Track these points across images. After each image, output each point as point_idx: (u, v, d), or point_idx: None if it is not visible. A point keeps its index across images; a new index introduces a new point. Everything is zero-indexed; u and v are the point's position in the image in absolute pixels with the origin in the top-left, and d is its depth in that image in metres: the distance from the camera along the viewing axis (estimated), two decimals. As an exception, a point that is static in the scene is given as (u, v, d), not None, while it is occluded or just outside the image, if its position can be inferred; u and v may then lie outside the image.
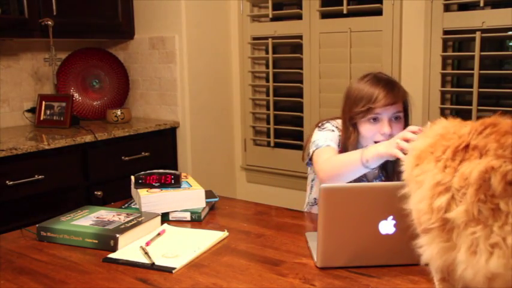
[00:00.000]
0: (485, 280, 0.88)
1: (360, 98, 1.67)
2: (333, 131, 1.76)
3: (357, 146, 1.70)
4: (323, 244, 1.30)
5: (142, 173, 1.80)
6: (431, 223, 0.94)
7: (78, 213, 1.67)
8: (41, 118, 3.02)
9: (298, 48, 3.13)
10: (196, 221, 1.71)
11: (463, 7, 2.60)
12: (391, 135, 1.61)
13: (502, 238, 0.86)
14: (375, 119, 1.66)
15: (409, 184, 1.03)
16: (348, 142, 1.70)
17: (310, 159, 1.75)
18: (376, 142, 1.64)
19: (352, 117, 1.69)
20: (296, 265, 1.34)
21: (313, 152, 1.72)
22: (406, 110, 1.73)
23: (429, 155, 0.99)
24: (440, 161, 0.95)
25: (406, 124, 1.71)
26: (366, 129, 1.67)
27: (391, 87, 1.67)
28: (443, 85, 2.63)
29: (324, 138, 1.74)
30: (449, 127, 1.02)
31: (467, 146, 0.93)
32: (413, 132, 1.40)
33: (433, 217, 0.94)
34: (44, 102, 3.03)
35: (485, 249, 0.87)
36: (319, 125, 1.82)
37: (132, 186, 1.85)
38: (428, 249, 0.97)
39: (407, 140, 1.39)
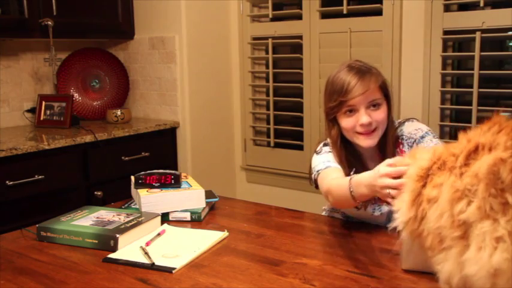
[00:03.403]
0: (488, 276, 0.83)
1: (332, 93, 1.62)
2: (329, 151, 1.71)
3: (340, 139, 1.65)
4: (406, 246, 1.25)
5: (143, 173, 1.80)
6: (454, 236, 0.89)
7: (78, 213, 1.67)
8: (41, 118, 3.02)
9: (298, 48, 3.13)
10: (196, 221, 1.71)
11: (463, 7, 2.59)
12: (370, 124, 1.58)
13: (508, 232, 0.82)
14: (351, 111, 1.60)
15: (420, 205, 0.97)
16: (331, 137, 1.67)
17: (316, 186, 1.69)
18: (357, 133, 1.61)
19: (328, 113, 1.65)
20: (296, 265, 1.33)
21: (317, 176, 1.66)
22: (386, 96, 1.65)
23: (437, 171, 0.95)
24: (455, 169, 0.91)
25: (389, 109, 1.65)
26: (345, 122, 1.62)
27: (362, 75, 1.58)
28: (443, 85, 2.63)
29: (322, 162, 1.69)
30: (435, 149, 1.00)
31: (477, 147, 0.90)
32: (390, 165, 1.23)
33: (455, 226, 0.88)
34: (44, 102, 3.03)
35: (490, 243, 0.83)
36: (316, 150, 1.77)
37: (132, 186, 1.85)
38: (447, 263, 0.90)
39: (390, 175, 1.22)
